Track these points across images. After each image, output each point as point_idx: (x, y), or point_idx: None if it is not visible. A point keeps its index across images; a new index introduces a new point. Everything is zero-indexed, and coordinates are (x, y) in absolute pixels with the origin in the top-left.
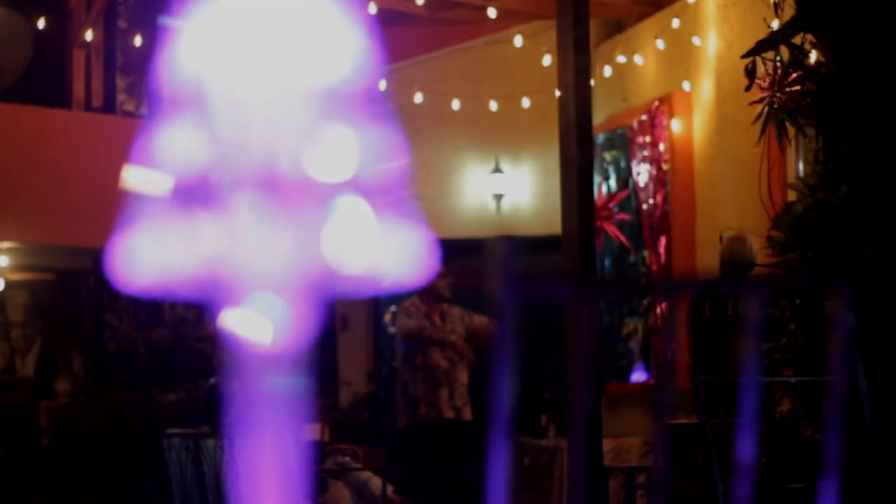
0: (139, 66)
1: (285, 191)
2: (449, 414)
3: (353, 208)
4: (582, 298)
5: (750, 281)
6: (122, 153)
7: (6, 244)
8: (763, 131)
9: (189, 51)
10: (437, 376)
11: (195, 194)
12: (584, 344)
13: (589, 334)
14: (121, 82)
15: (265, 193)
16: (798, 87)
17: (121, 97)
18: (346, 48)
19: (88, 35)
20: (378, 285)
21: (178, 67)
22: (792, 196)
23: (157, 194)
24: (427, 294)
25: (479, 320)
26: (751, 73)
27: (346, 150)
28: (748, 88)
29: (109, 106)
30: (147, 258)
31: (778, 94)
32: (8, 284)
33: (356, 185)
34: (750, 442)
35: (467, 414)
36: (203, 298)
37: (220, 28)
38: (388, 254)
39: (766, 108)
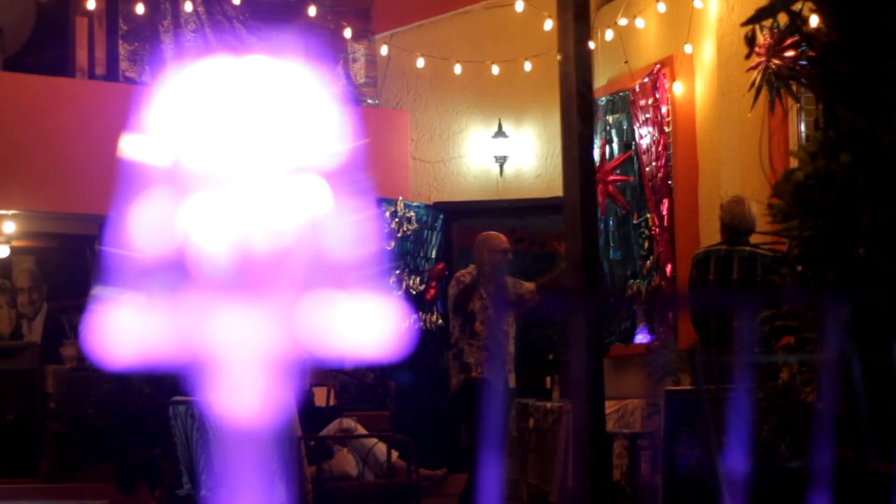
0: (141, 34)
1: (262, 267)
2: (501, 385)
3: (329, 286)
4: (582, 312)
5: (742, 297)
6: (124, 120)
7: (11, 211)
8: (756, 97)
9: (162, 125)
10: (490, 347)
11: (172, 269)
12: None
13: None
14: (123, 49)
15: (241, 270)
16: (794, 53)
17: (123, 65)
18: (327, 123)
19: (91, 3)
20: (355, 357)
21: (150, 141)
22: (793, 163)
23: (157, 164)
24: (486, 267)
25: (527, 287)
26: (751, 40)
27: (325, 227)
28: (748, 56)
29: (112, 73)
30: (123, 336)
31: (773, 61)
32: (14, 250)
33: (333, 261)
34: (746, 411)
35: (511, 381)
36: (182, 371)
37: (194, 102)
38: (365, 329)
39: (759, 75)
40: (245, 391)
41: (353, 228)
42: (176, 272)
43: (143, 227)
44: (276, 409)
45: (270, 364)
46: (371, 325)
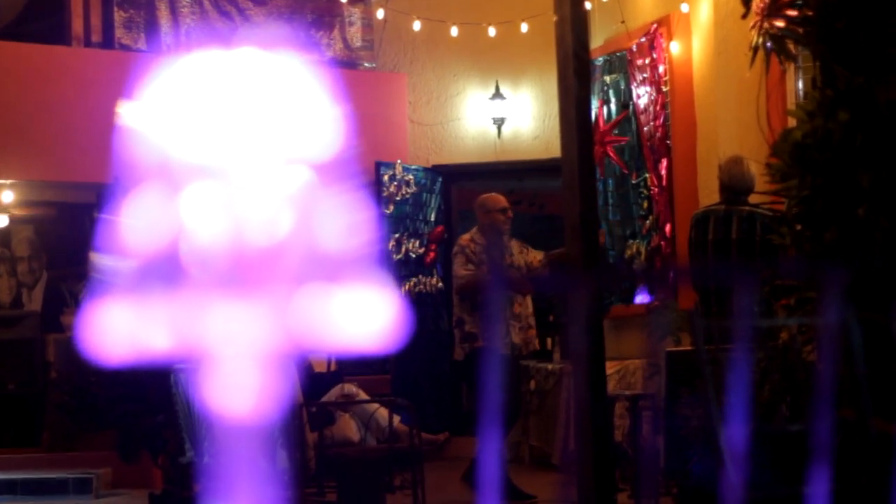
0: (136, 1)
1: (256, 259)
2: (504, 351)
3: (322, 278)
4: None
5: (742, 260)
6: (121, 88)
7: (9, 180)
8: (753, 58)
9: (154, 120)
10: (490, 314)
11: (165, 265)
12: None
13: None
14: (118, 17)
15: (235, 263)
16: (792, 12)
17: (119, 32)
18: (322, 118)
19: None
20: (351, 348)
21: (143, 138)
22: (791, 122)
23: (155, 130)
24: (487, 228)
25: (535, 255)
26: (746, 0)
27: (319, 218)
28: (745, 16)
29: (108, 41)
30: (118, 331)
31: (770, 20)
32: (13, 219)
33: (327, 253)
34: (747, 372)
35: (532, 345)
36: (176, 366)
37: (187, 96)
38: (360, 320)
39: (755, 35)
40: (241, 387)
41: (348, 219)
42: (169, 266)
43: (134, 223)
44: (272, 404)
45: (266, 358)
46: (368, 319)
